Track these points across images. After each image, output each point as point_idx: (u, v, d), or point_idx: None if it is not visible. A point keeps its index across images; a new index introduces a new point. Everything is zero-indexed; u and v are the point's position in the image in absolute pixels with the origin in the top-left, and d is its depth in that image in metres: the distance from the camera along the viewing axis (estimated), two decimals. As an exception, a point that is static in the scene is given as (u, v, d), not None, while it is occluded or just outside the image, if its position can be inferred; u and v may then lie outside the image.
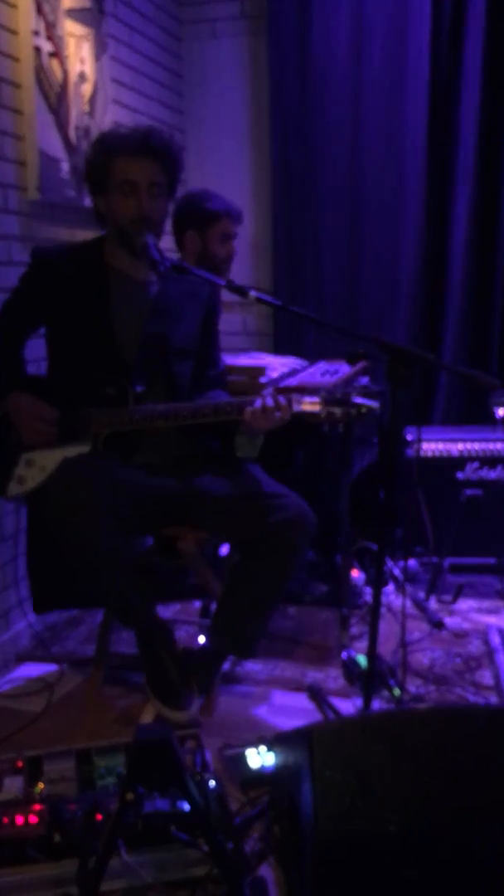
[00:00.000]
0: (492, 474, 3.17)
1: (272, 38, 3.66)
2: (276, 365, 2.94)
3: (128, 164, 2.16)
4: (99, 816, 1.67)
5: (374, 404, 2.04)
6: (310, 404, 2.07)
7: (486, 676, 2.48)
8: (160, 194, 2.21)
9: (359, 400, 2.04)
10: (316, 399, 2.06)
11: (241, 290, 2.11)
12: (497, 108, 3.45)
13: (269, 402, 2.07)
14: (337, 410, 2.04)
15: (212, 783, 1.76)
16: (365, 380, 3.01)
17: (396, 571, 3.14)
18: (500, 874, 1.45)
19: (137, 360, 2.22)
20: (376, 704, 2.22)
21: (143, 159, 2.16)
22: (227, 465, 2.28)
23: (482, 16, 3.37)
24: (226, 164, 3.88)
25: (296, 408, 2.08)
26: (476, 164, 3.48)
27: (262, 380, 2.81)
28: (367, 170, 3.65)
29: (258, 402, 2.08)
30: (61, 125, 2.80)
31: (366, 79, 3.58)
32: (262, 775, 1.92)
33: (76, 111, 2.89)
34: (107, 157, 2.17)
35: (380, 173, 3.62)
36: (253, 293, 2.11)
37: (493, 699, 2.34)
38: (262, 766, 1.94)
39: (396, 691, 2.26)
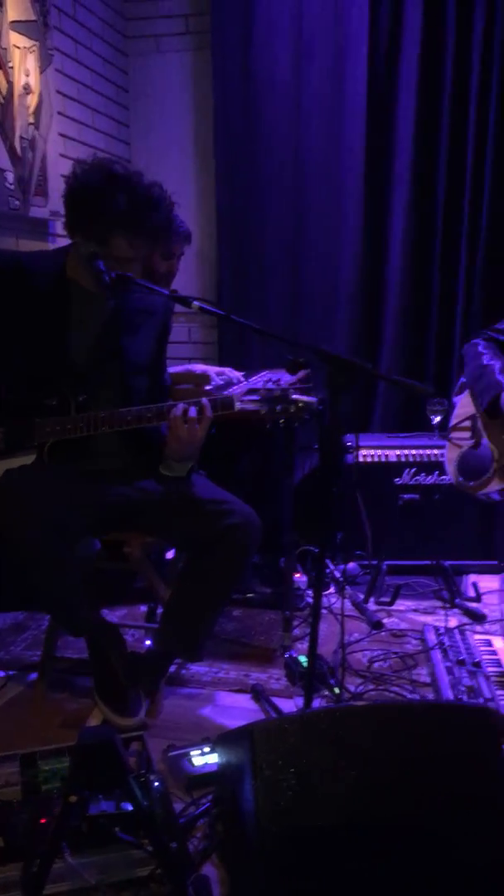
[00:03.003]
0: (428, 479, 3.27)
1: (215, 53, 3.72)
2: (213, 374, 3.00)
3: (130, 248, 2.14)
4: (43, 820, 1.69)
5: (312, 400, 2.11)
6: (251, 402, 2.13)
7: (422, 674, 2.57)
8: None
9: (297, 396, 2.11)
10: (256, 397, 2.13)
11: (184, 300, 2.15)
12: (432, 125, 3.56)
13: (192, 412, 2.13)
14: (277, 407, 2.11)
15: (156, 784, 1.79)
16: (308, 386, 3.08)
17: (337, 574, 3.22)
18: (439, 864, 1.51)
19: (88, 372, 2.24)
20: (317, 703, 2.28)
21: (147, 243, 2.15)
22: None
23: (418, 29, 3.48)
24: (171, 177, 3.88)
25: (238, 406, 2.14)
26: (412, 178, 3.58)
27: (208, 388, 2.87)
28: (308, 183, 3.73)
29: (180, 407, 2.14)
30: (6, 136, 2.82)
31: (306, 92, 3.66)
32: (206, 775, 1.97)
33: (21, 122, 2.91)
34: (110, 227, 2.11)
35: (321, 187, 3.71)
36: (196, 303, 2.15)
37: (430, 696, 2.42)
38: (206, 766, 1.99)
39: (336, 690, 2.33)
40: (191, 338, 4.03)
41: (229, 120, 3.76)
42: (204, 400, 2.16)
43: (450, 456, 2.61)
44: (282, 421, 2.13)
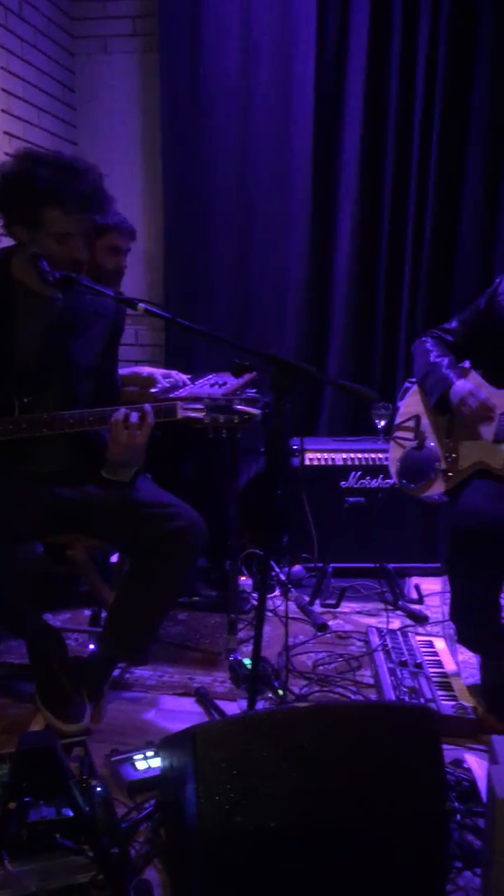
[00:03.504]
0: (373, 483, 3.31)
1: (163, 55, 3.71)
2: (159, 377, 2.99)
3: (64, 218, 2.10)
4: (-17, 827, 1.66)
5: (255, 411, 2.12)
6: (194, 410, 2.13)
7: (366, 675, 2.60)
8: (89, 234, 2.20)
9: (240, 407, 2.11)
10: (199, 405, 2.12)
11: (129, 302, 2.14)
12: (378, 127, 3.61)
13: (133, 417, 2.12)
14: (220, 417, 2.11)
15: (98, 789, 1.78)
16: (252, 391, 3.09)
17: (283, 577, 3.24)
18: (378, 864, 1.53)
19: (33, 374, 2.22)
20: (261, 706, 2.29)
21: (82, 212, 2.12)
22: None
23: (364, 38, 3.52)
24: (118, 178, 3.89)
25: (181, 413, 2.14)
26: (359, 181, 3.62)
27: (154, 390, 2.86)
28: (256, 186, 3.74)
29: (121, 412, 2.13)
30: None
31: (254, 97, 3.68)
32: (149, 779, 1.96)
33: (-36, 118, 2.86)
34: (39, 202, 2.08)
35: (268, 190, 3.73)
36: (142, 305, 2.14)
37: (373, 697, 2.45)
38: (150, 770, 1.98)
39: (280, 692, 2.34)
40: (137, 340, 4.01)
41: (177, 122, 3.75)
42: (146, 406, 2.15)
43: (393, 455, 2.64)
44: (224, 431, 2.13)
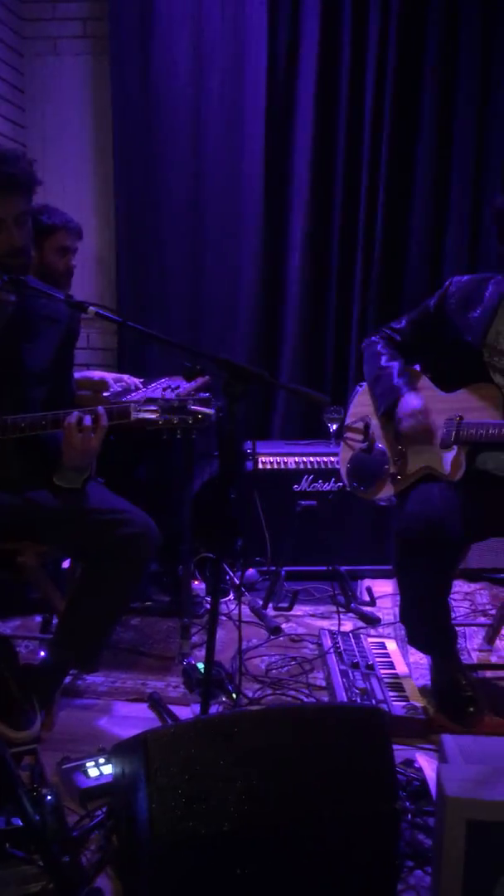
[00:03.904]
0: (325, 486, 3.33)
1: (113, 57, 3.69)
2: (111, 380, 2.98)
3: None
4: None
5: (209, 411, 2.12)
6: (147, 411, 2.12)
7: (319, 678, 2.61)
8: (24, 221, 2.17)
9: (195, 407, 2.11)
10: (153, 406, 2.11)
11: (80, 306, 2.12)
12: (328, 138, 3.65)
13: (87, 420, 2.11)
14: (174, 418, 2.11)
15: (48, 797, 1.76)
16: (206, 395, 3.09)
17: (236, 580, 3.24)
18: (330, 865, 1.54)
19: None
20: (215, 710, 2.29)
21: (9, 195, 2.08)
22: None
23: (315, 42, 3.56)
24: (69, 180, 3.88)
25: (134, 415, 2.13)
26: (310, 185, 3.65)
27: (106, 394, 2.84)
28: (208, 188, 3.75)
29: (74, 415, 2.11)
30: None
31: (206, 99, 3.69)
32: (101, 786, 1.94)
33: None
34: None
35: (220, 193, 3.74)
36: (93, 308, 2.13)
37: (326, 699, 2.46)
38: (102, 777, 1.96)
39: (234, 696, 2.34)
40: (89, 343, 3.98)
41: (128, 125, 3.74)
42: (99, 408, 2.14)
43: (343, 457, 2.65)
44: (178, 432, 2.12)
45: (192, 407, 2.10)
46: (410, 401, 2.44)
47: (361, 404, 2.63)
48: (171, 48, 3.65)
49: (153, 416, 2.11)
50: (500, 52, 3.56)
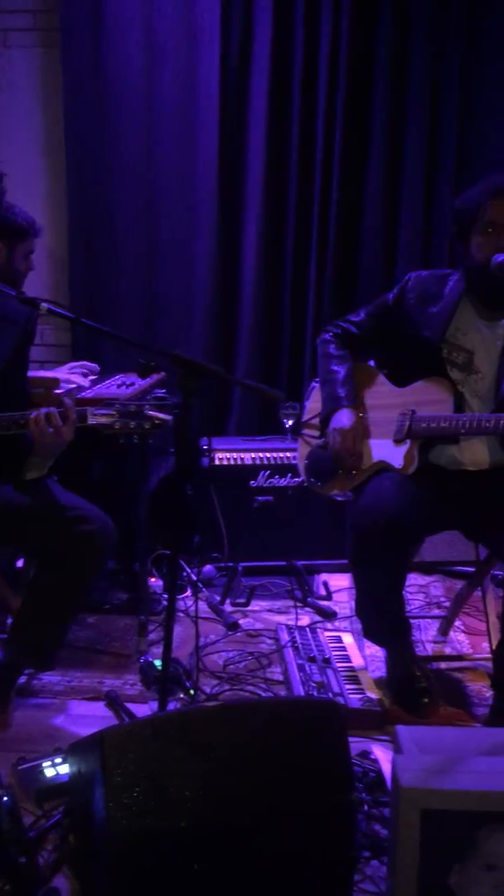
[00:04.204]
0: (282, 482, 3.34)
1: (64, 52, 3.64)
2: (65, 370, 2.96)
3: None
4: None
5: (167, 417, 2.10)
6: (104, 416, 2.10)
7: (276, 672, 2.62)
8: None
9: (152, 412, 2.09)
10: (110, 411, 2.10)
11: (32, 302, 2.10)
12: (282, 136, 3.65)
13: (56, 419, 2.09)
14: (131, 423, 2.09)
15: (3, 798, 1.74)
16: (161, 392, 3.08)
17: (194, 577, 3.23)
18: (288, 858, 1.55)
19: None
20: (173, 707, 2.29)
21: None
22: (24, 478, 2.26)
23: (268, 39, 3.54)
24: (19, 175, 3.77)
25: (90, 421, 2.11)
26: (265, 182, 3.65)
27: (58, 391, 2.81)
28: (162, 185, 3.72)
29: (42, 412, 2.09)
30: None
31: (158, 96, 3.65)
32: (57, 786, 1.93)
33: None
34: None
35: (175, 189, 3.71)
36: (45, 305, 2.11)
37: (283, 693, 2.48)
38: (58, 777, 1.95)
39: (191, 692, 2.34)
40: (42, 340, 3.93)
41: (80, 120, 3.69)
42: (67, 401, 2.11)
43: (301, 453, 2.66)
44: (135, 437, 2.11)
45: (149, 412, 2.09)
46: (341, 418, 2.47)
47: (318, 400, 2.65)
48: (122, 43, 3.61)
49: (110, 420, 2.09)
50: (451, 51, 3.60)
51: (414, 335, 2.45)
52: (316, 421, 2.60)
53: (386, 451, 2.45)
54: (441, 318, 2.42)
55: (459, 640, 2.94)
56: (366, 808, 1.87)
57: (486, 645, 2.68)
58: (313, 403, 2.66)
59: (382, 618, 2.43)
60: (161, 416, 2.09)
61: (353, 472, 2.50)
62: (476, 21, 3.60)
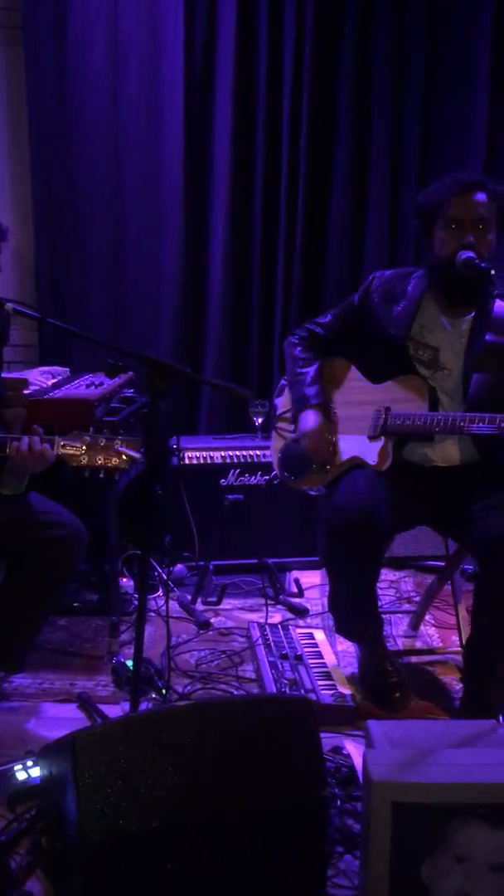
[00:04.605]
0: (252, 480, 3.35)
1: (28, 50, 3.60)
2: (37, 374, 2.93)
3: None
4: None
5: (136, 454, 2.08)
6: (71, 448, 2.08)
7: (248, 670, 2.63)
8: None
9: (122, 448, 2.07)
10: (78, 443, 2.08)
11: (-1, 303, 2.09)
12: (247, 136, 3.66)
13: (37, 446, 2.07)
14: (98, 458, 2.07)
15: (-25, 803, 1.73)
16: (130, 391, 3.08)
17: (165, 576, 3.23)
18: (262, 855, 1.56)
19: None
20: (144, 707, 2.28)
21: None
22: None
23: (232, 42, 3.55)
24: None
25: (57, 451, 2.09)
26: (231, 181, 3.65)
27: (26, 392, 2.79)
28: (128, 184, 3.71)
29: (25, 441, 2.07)
30: None
31: (124, 93, 3.63)
32: (29, 789, 1.92)
33: None
34: None
35: (141, 188, 3.69)
36: (10, 305, 2.09)
37: (255, 691, 2.48)
38: (30, 780, 1.94)
39: (163, 692, 2.34)
40: (10, 340, 3.89)
41: (44, 118, 3.66)
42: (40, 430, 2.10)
43: (275, 446, 2.67)
44: (101, 473, 2.08)
45: (120, 448, 2.06)
46: (307, 420, 2.48)
47: (290, 396, 2.65)
48: (86, 43, 3.58)
49: (77, 453, 2.07)
50: (414, 51, 3.63)
51: (380, 334, 2.47)
52: (290, 415, 2.61)
53: (360, 447, 2.46)
54: (405, 316, 2.44)
55: (430, 634, 2.96)
56: (339, 803, 1.88)
57: (455, 638, 2.71)
58: (286, 399, 2.66)
59: (355, 614, 2.44)
60: (130, 452, 2.07)
61: (327, 467, 2.51)
62: (438, 22, 3.65)
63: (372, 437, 2.43)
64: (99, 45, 3.59)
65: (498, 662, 2.26)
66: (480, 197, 2.29)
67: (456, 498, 2.35)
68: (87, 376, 3.16)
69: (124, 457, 2.05)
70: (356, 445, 2.48)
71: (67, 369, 3.21)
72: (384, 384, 2.47)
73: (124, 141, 3.68)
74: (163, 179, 3.67)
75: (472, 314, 2.41)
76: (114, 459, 2.04)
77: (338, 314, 2.61)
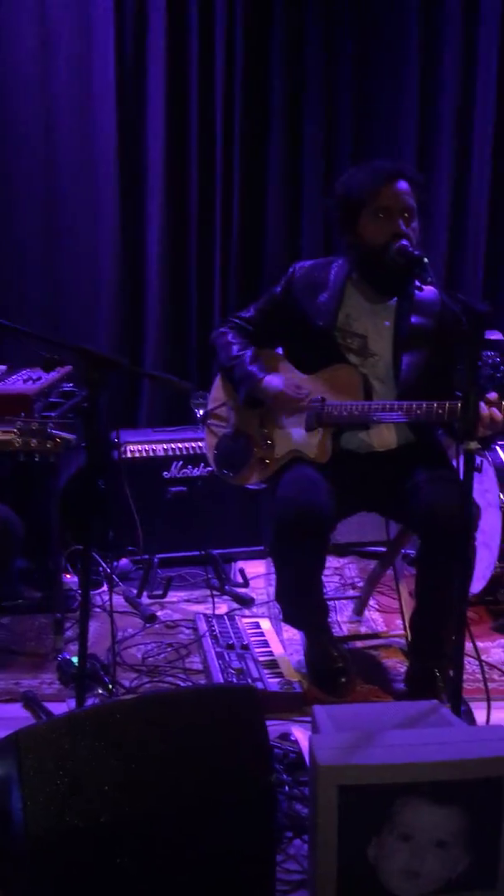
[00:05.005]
0: (195, 471, 3.34)
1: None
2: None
3: None
4: None
5: (70, 437, 2.07)
6: (2, 433, 2.05)
7: (195, 662, 2.63)
8: None
9: (55, 431, 2.06)
10: (11, 428, 2.05)
11: None
12: (181, 125, 3.64)
13: None
14: (32, 441, 2.05)
15: None
16: (69, 385, 3.04)
17: (109, 571, 3.21)
18: (211, 844, 1.56)
19: None
20: (91, 703, 2.26)
21: None
22: None
23: (163, 30, 3.53)
24: None
25: None
26: (166, 171, 3.63)
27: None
28: (61, 174, 3.65)
29: None
30: None
31: (54, 84, 3.58)
32: (-26, 791, 1.89)
33: None
34: None
35: (74, 179, 3.63)
36: None
37: (203, 682, 2.48)
38: (-26, 782, 1.90)
39: (109, 687, 2.33)
40: None
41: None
42: None
43: (209, 443, 2.65)
44: (36, 456, 2.07)
45: (53, 431, 2.05)
46: (272, 382, 2.46)
47: (221, 388, 2.64)
48: (12, 30, 3.52)
49: (10, 437, 2.05)
50: (344, 42, 3.66)
51: (307, 325, 2.47)
52: (222, 410, 2.60)
53: (298, 439, 2.46)
54: (331, 306, 2.44)
55: (374, 618, 3.01)
56: (287, 788, 1.90)
57: (399, 622, 2.75)
58: (217, 392, 2.65)
59: (302, 602, 2.46)
60: (64, 435, 2.06)
61: (266, 461, 2.52)
62: (368, 12, 3.67)
63: (309, 429, 2.43)
64: (27, 32, 3.53)
65: (442, 638, 2.30)
66: (404, 185, 2.32)
67: (395, 480, 2.38)
68: (25, 371, 3.11)
69: (58, 440, 2.04)
70: (294, 438, 2.48)
71: (5, 367, 3.16)
72: (317, 374, 2.47)
73: (55, 128, 3.62)
74: (96, 167, 3.61)
75: (395, 299, 2.44)
76: (48, 443, 2.03)
77: (260, 307, 2.59)
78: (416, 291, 2.27)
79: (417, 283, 2.17)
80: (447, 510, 2.16)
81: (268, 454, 2.52)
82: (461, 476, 1.79)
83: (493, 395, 2.10)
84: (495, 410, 2.08)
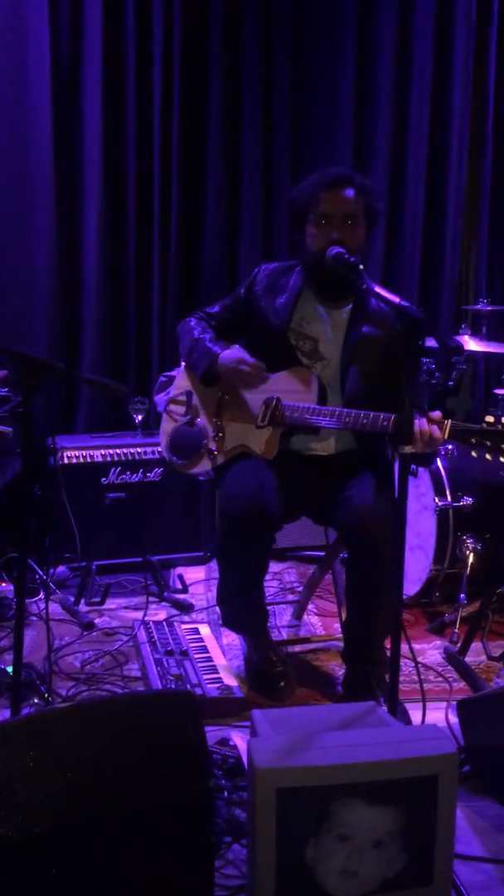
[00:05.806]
0: (134, 477, 3.32)
1: None
2: None
3: None
4: None
5: (7, 430, 2.04)
6: None
7: (134, 669, 2.61)
8: None
9: None
10: None
11: None
12: (118, 121, 3.62)
13: None
14: None
15: None
16: (4, 390, 2.99)
17: (46, 578, 3.16)
18: (149, 851, 1.55)
19: None
20: (26, 713, 2.22)
21: None
22: None
23: (99, 32, 3.52)
24: None
25: None
26: (103, 170, 3.61)
27: None
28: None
29: None
30: None
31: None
32: None
33: None
34: None
35: (7, 179, 3.58)
36: None
37: (141, 689, 2.46)
38: None
39: (46, 696, 2.29)
40: None
41: None
42: None
43: (164, 428, 2.63)
44: None
45: None
46: (229, 354, 2.44)
47: (185, 378, 2.63)
48: None
49: None
50: (280, 50, 3.70)
51: (264, 325, 2.50)
52: (183, 397, 2.59)
53: (248, 434, 2.46)
54: (286, 308, 2.48)
55: (313, 623, 3.02)
56: (226, 794, 1.90)
57: (337, 626, 2.78)
58: (181, 380, 2.64)
59: (244, 606, 2.46)
60: (2, 428, 2.04)
61: (215, 451, 2.51)
62: (303, 18, 3.73)
63: (259, 426, 2.43)
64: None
65: (373, 642, 2.33)
66: (349, 192, 2.34)
67: (331, 487, 2.40)
68: (-42, 376, 3.05)
69: None
70: (244, 433, 2.48)
71: None
72: (277, 374, 2.48)
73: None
74: (31, 166, 3.56)
75: (350, 306, 2.47)
76: None
77: (226, 305, 2.62)
78: (371, 301, 2.28)
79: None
80: (370, 520, 2.19)
81: (218, 445, 2.51)
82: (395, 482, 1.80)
83: (436, 414, 2.13)
84: (435, 428, 2.09)
